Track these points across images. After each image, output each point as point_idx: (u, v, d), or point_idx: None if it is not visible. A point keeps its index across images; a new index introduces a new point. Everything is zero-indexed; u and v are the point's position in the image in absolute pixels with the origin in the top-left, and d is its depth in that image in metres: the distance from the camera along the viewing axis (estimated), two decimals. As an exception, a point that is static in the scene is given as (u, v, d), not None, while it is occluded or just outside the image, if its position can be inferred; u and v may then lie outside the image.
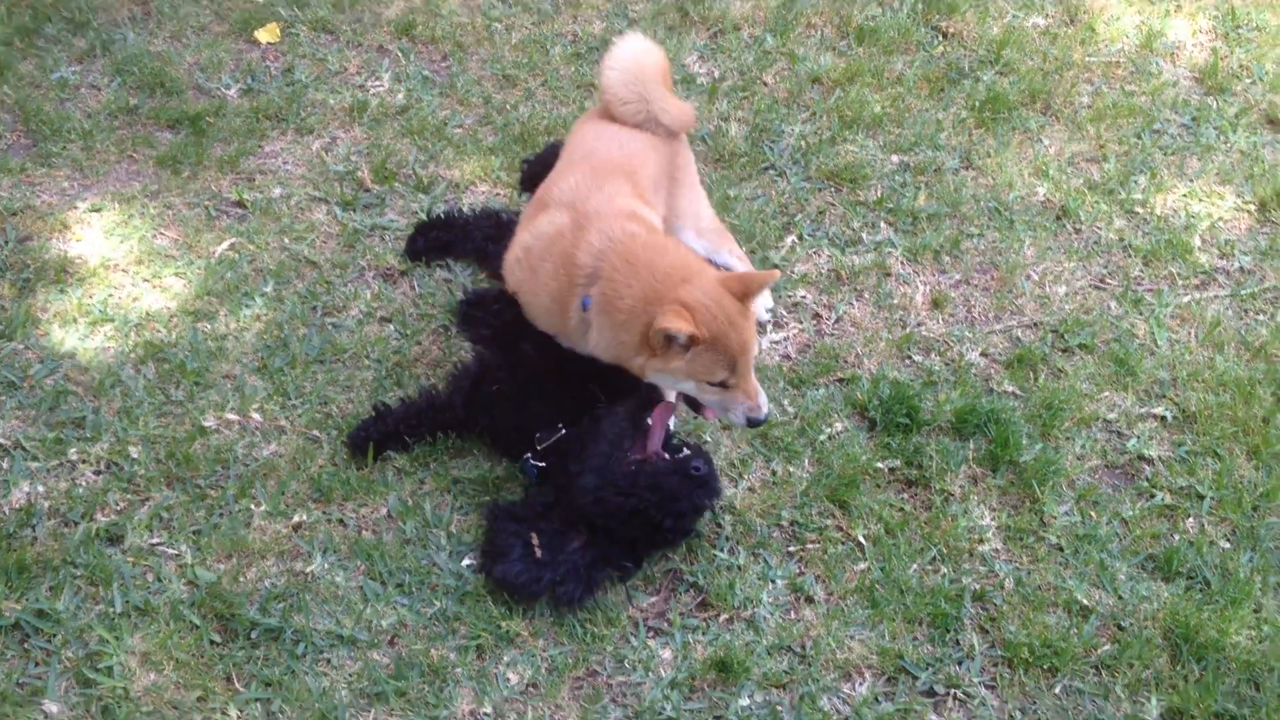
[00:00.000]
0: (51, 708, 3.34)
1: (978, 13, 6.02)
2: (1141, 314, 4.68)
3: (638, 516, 3.60)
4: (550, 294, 3.70)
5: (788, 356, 4.43)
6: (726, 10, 5.91)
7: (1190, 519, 4.02)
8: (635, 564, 3.74)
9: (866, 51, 5.76)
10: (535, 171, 4.64)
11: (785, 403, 4.25)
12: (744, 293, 3.50)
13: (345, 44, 5.62)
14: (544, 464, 3.81)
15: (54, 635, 3.48)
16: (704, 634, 3.63)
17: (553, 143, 4.88)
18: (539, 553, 3.63)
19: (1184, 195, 5.19)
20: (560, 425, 3.82)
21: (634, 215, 3.72)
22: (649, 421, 3.70)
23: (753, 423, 3.65)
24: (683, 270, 3.53)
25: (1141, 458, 4.19)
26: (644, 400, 3.73)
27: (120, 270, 4.51)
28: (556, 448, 3.79)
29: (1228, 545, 3.94)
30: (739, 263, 4.42)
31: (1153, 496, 4.08)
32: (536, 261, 3.73)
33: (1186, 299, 4.75)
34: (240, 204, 4.82)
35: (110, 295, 4.41)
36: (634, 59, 4.11)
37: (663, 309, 3.40)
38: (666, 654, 3.58)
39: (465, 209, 4.76)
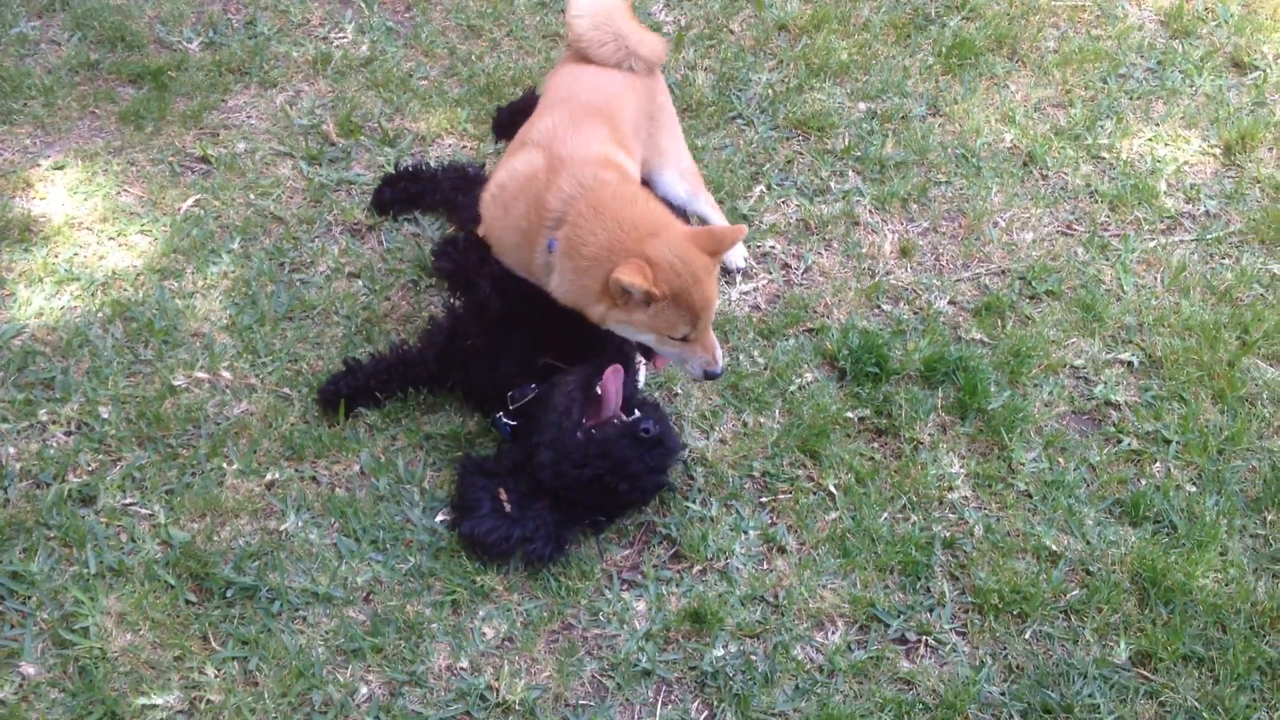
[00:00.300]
0: (29, 669, 3.35)
1: (944, -43, 6.00)
2: (1108, 259, 4.71)
3: (595, 484, 3.63)
4: (520, 232, 3.70)
5: (757, 307, 4.44)
6: (692, -43, 5.87)
7: (1157, 463, 4.07)
8: (607, 518, 3.77)
9: (833, -3, 5.74)
10: (506, 119, 4.64)
11: (755, 354, 4.27)
12: (714, 249, 3.51)
13: (307, -5, 5.56)
14: (516, 422, 3.82)
15: (29, 597, 3.48)
16: (677, 585, 3.67)
17: (530, 89, 4.86)
18: (508, 508, 3.65)
19: (1150, 140, 5.21)
20: (533, 384, 3.82)
21: (608, 162, 3.71)
22: (598, 390, 3.70)
23: (709, 375, 3.67)
24: (651, 223, 3.53)
25: (1108, 403, 4.24)
26: (595, 367, 3.73)
27: (85, 228, 4.47)
28: (528, 407, 3.80)
29: (1194, 489, 4.00)
30: (714, 211, 4.43)
31: (1119, 442, 4.13)
32: (509, 200, 3.73)
33: (1153, 244, 4.79)
34: (204, 160, 4.77)
35: (76, 254, 4.37)
36: (597, 1, 4.08)
37: (624, 261, 3.41)
38: (641, 606, 3.62)
39: (432, 162, 4.73)
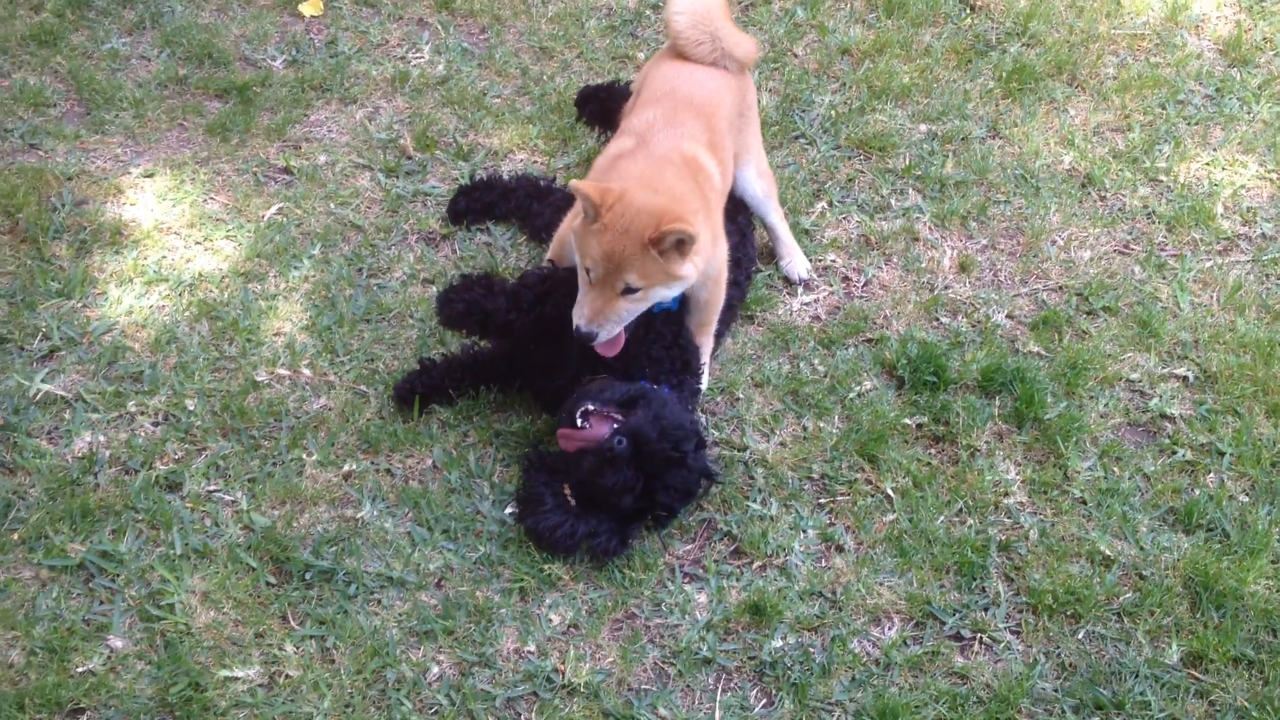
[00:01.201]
0: (116, 642, 3.52)
1: (1005, -14, 6.13)
2: (1165, 278, 4.79)
3: (608, 503, 3.76)
4: None
5: (818, 318, 4.56)
6: (758, -16, 6.04)
7: (1210, 474, 4.14)
8: (669, 513, 3.88)
9: (895, 24, 5.87)
10: (587, 95, 5.06)
11: (815, 362, 4.39)
12: (660, 233, 3.58)
13: (386, 17, 5.76)
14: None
15: (117, 575, 3.66)
16: (738, 580, 3.78)
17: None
18: (571, 502, 3.78)
19: (1207, 164, 5.30)
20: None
21: (692, 160, 3.93)
22: (578, 418, 3.80)
23: (574, 327, 3.78)
24: (664, 187, 3.73)
25: (1163, 416, 4.31)
26: (582, 393, 3.88)
27: (173, 233, 4.67)
28: None
29: (1246, 499, 4.07)
30: (781, 223, 4.63)
31: (1174, 453, 4.20)
32: (599, 175, 3.97)
33: (1209, 264, 4.86)
34: (287, 170, 4.97)
35: (164, 257, 4.57)
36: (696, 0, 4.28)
37: (602, 184, 3.65)
38: (702, 598, 3.73)
39: (505, 175, 4.90)
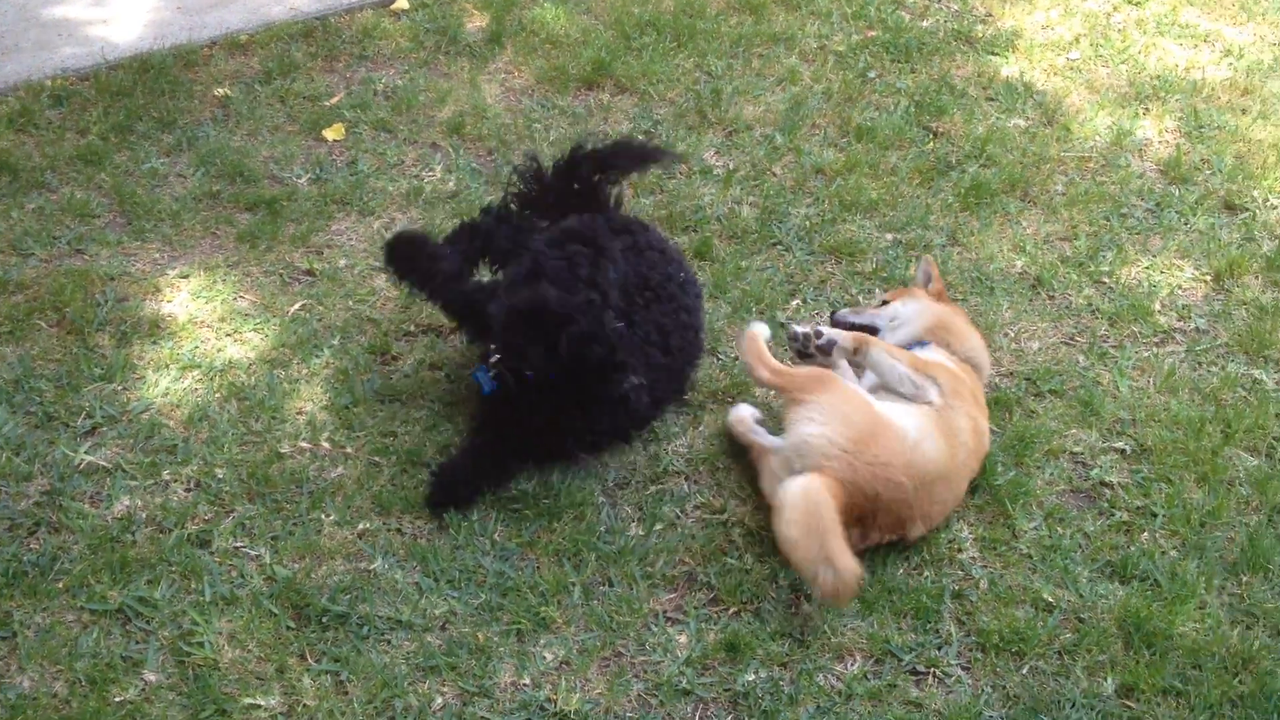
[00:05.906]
0: (150, 676, 3.89)
1: (965, 114, 6.72)
2: (1106, 366, 5.26)
3: None
4: None
5: (791, 399, 5.02)
6: (740, 113, 6.63)
7: (1145, 533, 4.55)
8: None
9: (865, 148, 6.44)
10: None
11: (788, 436, 4.83)
12: None
13: (403, 141, 6.34)
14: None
15: (152, 618, 4.04)
16: (715, 623, 4.17)
17: None
18: None
19: (1147, 268, 5.81)
20: None
21: None
22: None
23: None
24: None
25: (1103, 483, 4.74)
26: None
27: (206, 326, 5.16)
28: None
29: (1176, 554, 4.47)
30: None
31: (1112, 515, 4.62)
32: None
33: (1147, 354, 5.34)
34: (310, 272, 5.48)
35: (197, 346, 5.05)
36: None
37: None
38: (682, 639, 4.11)
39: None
